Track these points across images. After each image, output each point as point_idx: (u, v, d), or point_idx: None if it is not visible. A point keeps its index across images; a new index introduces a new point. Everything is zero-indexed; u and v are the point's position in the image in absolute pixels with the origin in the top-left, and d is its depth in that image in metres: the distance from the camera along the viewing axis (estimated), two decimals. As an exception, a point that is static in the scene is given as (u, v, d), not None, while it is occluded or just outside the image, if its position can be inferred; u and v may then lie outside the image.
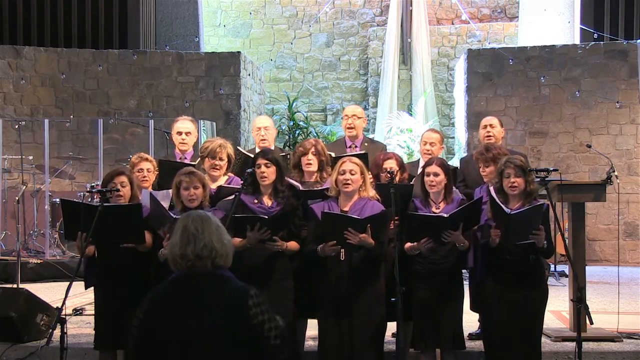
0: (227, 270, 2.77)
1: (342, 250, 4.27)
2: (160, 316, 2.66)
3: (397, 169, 4.78)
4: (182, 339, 2.63)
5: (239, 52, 11.61)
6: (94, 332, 4.62)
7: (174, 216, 4.14)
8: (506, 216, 4.08)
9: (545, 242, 4.16)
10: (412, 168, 5.44)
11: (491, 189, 4.30)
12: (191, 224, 2.72)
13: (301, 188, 4.63)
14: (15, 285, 6.67)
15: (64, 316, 3.99)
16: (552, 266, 8.33)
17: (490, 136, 5.56)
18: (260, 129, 5.60)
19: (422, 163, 5.22)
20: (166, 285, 2.76)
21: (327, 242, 4.20)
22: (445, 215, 4.24)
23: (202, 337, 2.63)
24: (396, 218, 4.32)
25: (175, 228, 2.77)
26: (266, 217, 4.20)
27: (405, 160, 6.76)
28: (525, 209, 4.15)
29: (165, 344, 2.64)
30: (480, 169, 4.86)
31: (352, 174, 4.34)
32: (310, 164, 4.76)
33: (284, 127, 12.79)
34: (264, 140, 5.58)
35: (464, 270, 4.63)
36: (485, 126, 5.63)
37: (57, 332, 4.01)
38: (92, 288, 4.65)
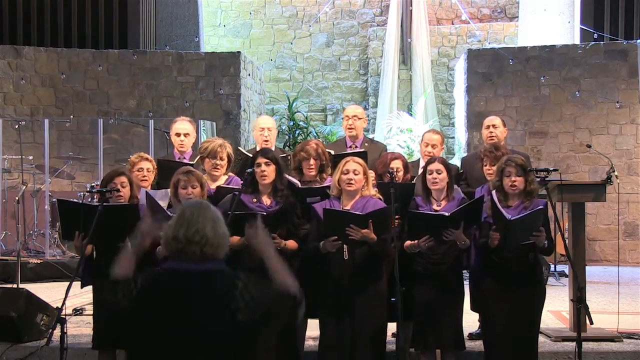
0: (219, 262, 2.70)
1: (346, 249, 4.27)
2: (147, 308, 2.61)
3: (402, 169, 4.80)
4: (171, 336, 2.57)
5: (239, 52, 11.61)
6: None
7: (171, 214, 4.14)
8: (506, 222, 4.08)
9: (546, 242, 4.17)
10: (413, 168, 5.44)
11: (493, 192, 4.29)
12: (188, 209, 2.71)
13: (300, 186, 4.62)
14: (15, 285, 6.66)
15: (64, 316, 3.99)
16: (552, 266, 8.33)
17: (493, 136, 5.55)
18: (264, 130, 5.58)
19: (422, 163, 5.22)
20: (153, 278, 2.71)
21: (328, 239, 4.19)
22: (447, 214, 4.24)
23: (190, 337, 2.56)
24: (397, 217, 4.32)
25: (175, 214, 2.79)
26: (264, 213, 4.19)
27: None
28: (526, 214, 4.14)
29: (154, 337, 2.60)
30: (486, 167, 4.85)
31: (356, 174, 4.33)
32: (312, 168, 4.75)
33: (284, 127, 12.78)
34: (267, 140, 5.57)
35: (464, 271, 4.63)
36: (488, 126, 5.62)
37: (57, 332, 4.01)
38: (91, 287, 4.65)
